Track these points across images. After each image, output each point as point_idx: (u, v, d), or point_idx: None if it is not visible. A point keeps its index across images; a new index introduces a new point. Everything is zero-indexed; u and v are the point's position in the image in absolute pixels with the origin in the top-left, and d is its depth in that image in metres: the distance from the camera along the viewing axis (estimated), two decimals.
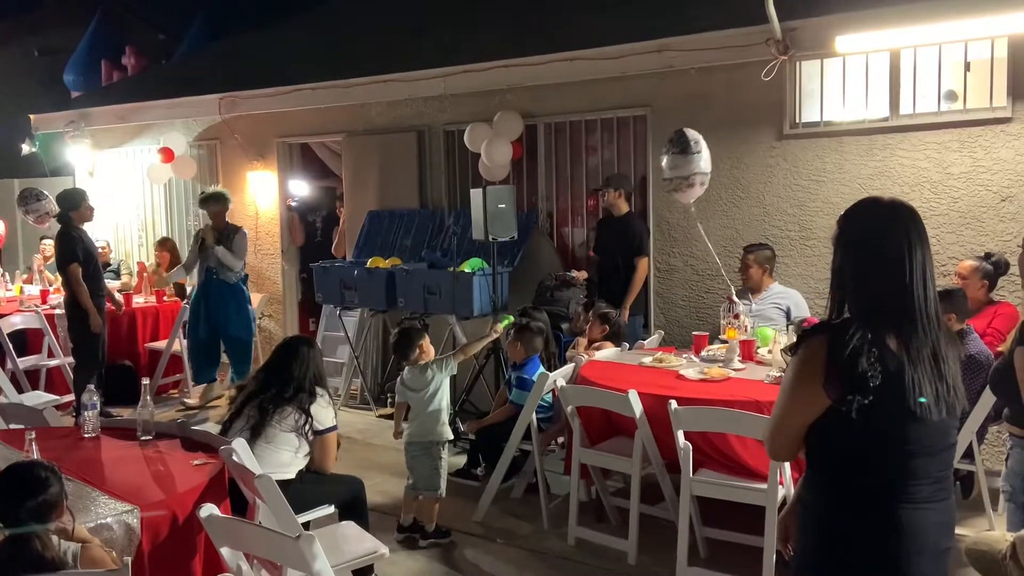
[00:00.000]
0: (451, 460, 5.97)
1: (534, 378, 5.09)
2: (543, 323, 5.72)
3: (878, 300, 2.17)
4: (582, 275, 6.64)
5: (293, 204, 9.05)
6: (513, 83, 7.01)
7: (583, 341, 5.71)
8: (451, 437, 4.81)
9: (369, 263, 7.22)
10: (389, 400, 7.21)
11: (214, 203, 7.42)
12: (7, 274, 9.22)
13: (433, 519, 4.72)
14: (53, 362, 7.52)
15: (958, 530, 2.26)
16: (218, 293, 7.33)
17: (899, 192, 5.46)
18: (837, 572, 2.21)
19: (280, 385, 4.04)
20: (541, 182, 7.30)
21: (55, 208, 7.51)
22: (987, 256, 5.19)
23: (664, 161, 5.43)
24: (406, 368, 4.85)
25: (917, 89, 5.68)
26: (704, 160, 5.36)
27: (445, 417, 4.76)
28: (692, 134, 5.35)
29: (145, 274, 8.56)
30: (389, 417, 6.73)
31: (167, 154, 9.08)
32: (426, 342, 4.85)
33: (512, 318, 5.44)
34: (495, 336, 5.34)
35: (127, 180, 10.06)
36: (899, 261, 2.16)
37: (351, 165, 8.26)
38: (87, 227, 7.18)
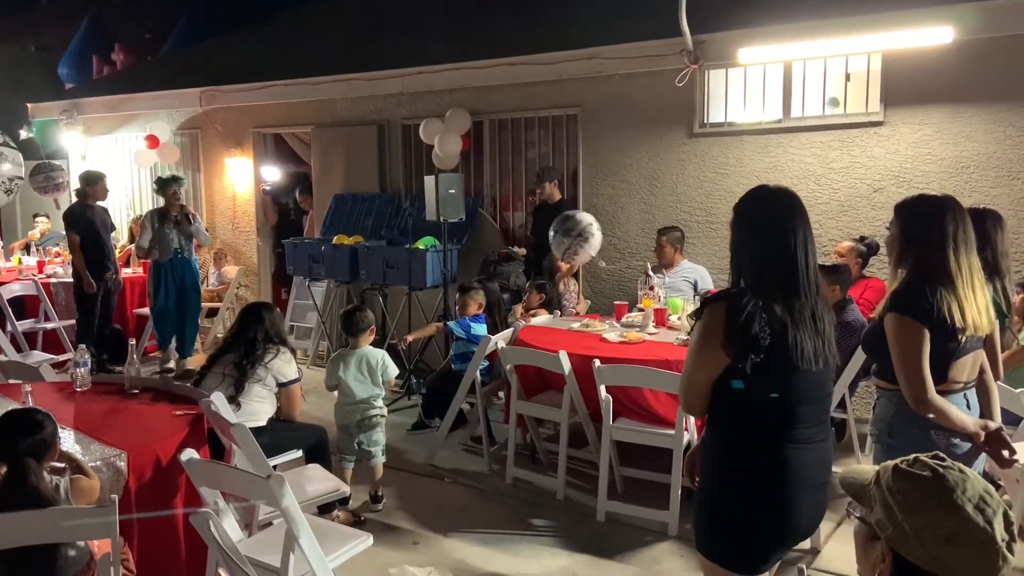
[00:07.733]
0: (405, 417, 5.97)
1: (473, 333, 5.16)
2: (493, 291, 5.63)
3: (768, 273, 2.18)
4: (522, 251, 6.62)
5: (267, 188, 8.80)
6: (462, 84, 6.92)
7: (519, 308, 5.70)
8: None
9: (335, 240, 7.08)
10: None
11: (177, 184, 6.92)
12: (3, 247, 8.88)
13: (378, 481, 4.40)
14: (49, 325, 7.27)
15: (833, 467, 2.30)
16: (183, 268, 6.93)
17: (788, 183, 5.45)
18: (733, 502, 2.24)
19: (248, 345, 3.96)
20: (486, 171, 7.23)
21: (62, 181, 7.59)
22: (861, 239, 5.32)
23: (561, 245, 5.49)
24: (353, 352, 4.31)
25: (806, 96, 5.76)
26: (595, 237, 5.50)
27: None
28: (580, 217, 5.54)
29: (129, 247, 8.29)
30: None
31: (152, 141, 8.79)
32: (372, 330, 4.41)
33: None
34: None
35: (116, 164, 9.69)
36: (784, 239, 2.18)
37: (319, 154, 8.07)
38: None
